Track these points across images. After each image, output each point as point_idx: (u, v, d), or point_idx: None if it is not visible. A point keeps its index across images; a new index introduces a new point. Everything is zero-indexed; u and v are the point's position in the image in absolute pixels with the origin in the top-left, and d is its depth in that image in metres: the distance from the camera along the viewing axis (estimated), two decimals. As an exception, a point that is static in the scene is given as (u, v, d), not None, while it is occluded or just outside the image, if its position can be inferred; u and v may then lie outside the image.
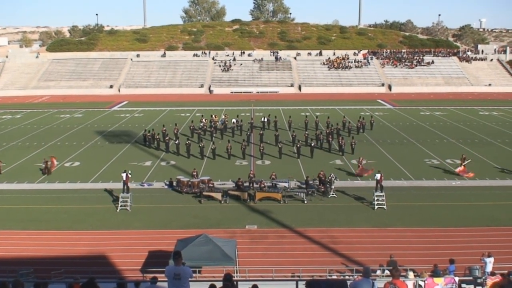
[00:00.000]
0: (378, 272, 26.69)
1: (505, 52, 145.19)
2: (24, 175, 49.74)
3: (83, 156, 57.45)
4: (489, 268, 25.91)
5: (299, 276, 26.83)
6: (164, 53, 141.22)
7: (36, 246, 33.37)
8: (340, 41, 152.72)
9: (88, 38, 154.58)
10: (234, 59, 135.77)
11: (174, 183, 45.20)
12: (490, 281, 19.93)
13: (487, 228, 35.93)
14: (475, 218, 37.81)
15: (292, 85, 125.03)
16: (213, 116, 74.36)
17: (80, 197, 43.09)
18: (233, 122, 69.94)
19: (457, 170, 49.27)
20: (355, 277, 23.37)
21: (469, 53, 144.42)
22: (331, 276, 26.88)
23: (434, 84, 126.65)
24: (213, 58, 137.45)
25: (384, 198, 40.10)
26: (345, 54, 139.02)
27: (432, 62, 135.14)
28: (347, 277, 25.69)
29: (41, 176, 49.33)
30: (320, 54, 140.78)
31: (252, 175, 44.74)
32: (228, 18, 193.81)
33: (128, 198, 40.13)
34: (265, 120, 71.70)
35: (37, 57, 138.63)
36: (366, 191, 43.23)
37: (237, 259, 28.19)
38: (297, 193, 42.52)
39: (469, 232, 35.20)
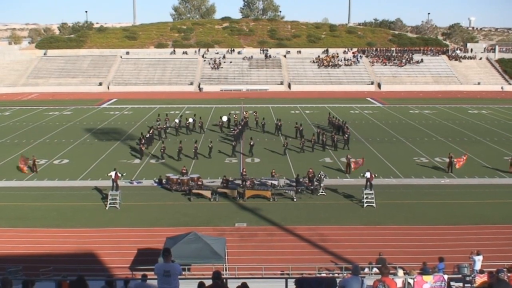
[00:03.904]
0: (367, 270, 26.73)
1: (494, 50, 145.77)
2: (12, 173, 49.53)
3: (72, 154, 57.25)
4: (478, 266, 26.03)
5: (288, 274, 26.87)
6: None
7: (25, 244, 33.22)
8: (330, 39, 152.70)
9: (78, 35, 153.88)
10: (224, 57, 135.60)
11: (164, 181, 45.13)
12: (479, 279, 20.02)
13: (476, 226, 36.08)
14: (464, 216, 37.96)
15: (281, 83, 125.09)
16: (245, 112, 75.25)
17: (69, 195, 42.94)
18: (188, 121, 69.89)
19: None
20: (345, 274, 23.41)
21: (458, 51, 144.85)
22: (320, 274, 26.92)
23: (423, 82, 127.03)
24: (202, 56, 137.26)
25: (373, 196, 40.21)
26: (336, 53, 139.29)
27: (422, 60, 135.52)
28: (336, 275, 25.73)
29: (29, 174, 49.14)
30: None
31: (244, 173, 44.67)
32: (218, 16, 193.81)
33: (117, 196, 40.03)
34: (225, 119, 71.55)
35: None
36: (356, 189, 43.29)
37: (226, 257, 28.16)
38: (287, 191, 42.56)
39: (458, 230, 35.33)
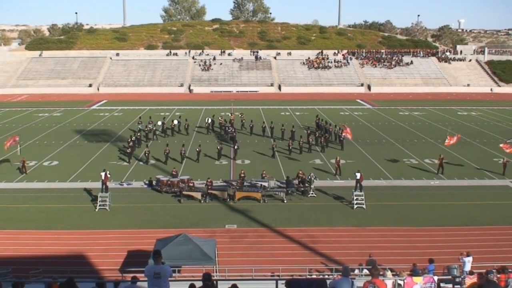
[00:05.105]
0: (357, 271, 26.78)
1: (483, 52, 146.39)
2: (2, 174, 49.30)
3: (61, 155, 57.07)
4: (467, 268, 26.10)
5: (278, 276, 26.86)
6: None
7: (14, 246, 33.09)
8: (320, 41, 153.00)
9: (68, 37, 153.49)
10: (214, 59, 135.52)
11: (154, 183, 45.04)
12: (468, 280, 20.09)
13: (466, 227, 36.22)
14: (453, 217, 38.09)
15: (272, 85, 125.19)
16: (231, 114, 75.24)
17: (59, 197, 42.79)
18: (173, 123, 69.59)
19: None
20: (335, 276, 23.45)
21: (447, 53, 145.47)
22: (310, 275, 26.94)
23: (413, 84, 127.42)
24: (193, 57, 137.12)
25: (363, 197, 40.27)
26: (326, 54, 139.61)
27: (411, 62, 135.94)
28: (326, 276, 25.77)
29: (19, 175, 48.95)
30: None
31: (243, 175, 44.54)
32: (208, 17, 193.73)
33: (107, 198, 39.91)
34: (209, 121, 71.27)
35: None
36: (346, 190, 43.33)
37: (216, 259, 28.18)
38: (277, 193, 42.56)
39: (447, 231, 35.44)
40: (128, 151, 54.85)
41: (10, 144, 51.02)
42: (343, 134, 57.75)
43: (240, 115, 74.63)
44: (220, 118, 72.26)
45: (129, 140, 57.50)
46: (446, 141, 55.56)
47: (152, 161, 53.82)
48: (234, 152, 55.90)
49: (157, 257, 16.26)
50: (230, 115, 75.30)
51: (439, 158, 50.40)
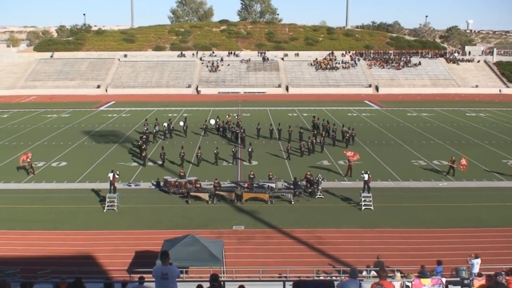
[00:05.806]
0: (365, 273, 26.73)
1: (492, 53, 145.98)
2: (10, 175, 49.47)
3: (70, 156, 57.19)
4: (476, 270, 25.99)
5: (286, 277, 26.84)
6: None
7: (23, 246, 33.18)
8: (328, 42, 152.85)
9: (76, 38, 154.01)
10: (222, 60, 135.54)
11: (161, 184, 45.08)
12: (477, 282, 20.00)
13: (474, 229, 36.07)
14: (462, 219, 37.94)
15: (279, 86, 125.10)
16: (228, 116, 74.83)
17: (67, 197, 42.89)
18: (168, 125, 69.01)
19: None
20: (342, 277, 23.41)
21: (456, 54, 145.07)
22: (318, 276, 26.91)
23: (421, 85, 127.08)
24: (200, 59, 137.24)
25: (371, 199, 40.17)
26: (334, 55, 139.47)
27: (419, 63, 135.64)
28: (334, 277, 25.72)
29: (27, 176, 49.09)
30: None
31: (252, 176, 44.54)
32: (215, 18, 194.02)
33: (115, 198, 40.00)
34: (213, 122, 71.45)
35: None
36: (353, 192, 43.24)
37: (224, 260, 28.15)
38: (284, 194, 42.53)
39: (456, 233, 35.32)
40: (143, 154, 54.62)
41: (23, 160, 50.98)
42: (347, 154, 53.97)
43: (236, 116, 74.44)
44: (218, 119, 72.05)
45: (140, 143, 57.48)
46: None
47: (160, 162, 53.82)
48: (248, 155, 55.43)
49: (164, 257, 16.29)
50: (227, 116, 74.92)
51: (451, 159, 50.19)
